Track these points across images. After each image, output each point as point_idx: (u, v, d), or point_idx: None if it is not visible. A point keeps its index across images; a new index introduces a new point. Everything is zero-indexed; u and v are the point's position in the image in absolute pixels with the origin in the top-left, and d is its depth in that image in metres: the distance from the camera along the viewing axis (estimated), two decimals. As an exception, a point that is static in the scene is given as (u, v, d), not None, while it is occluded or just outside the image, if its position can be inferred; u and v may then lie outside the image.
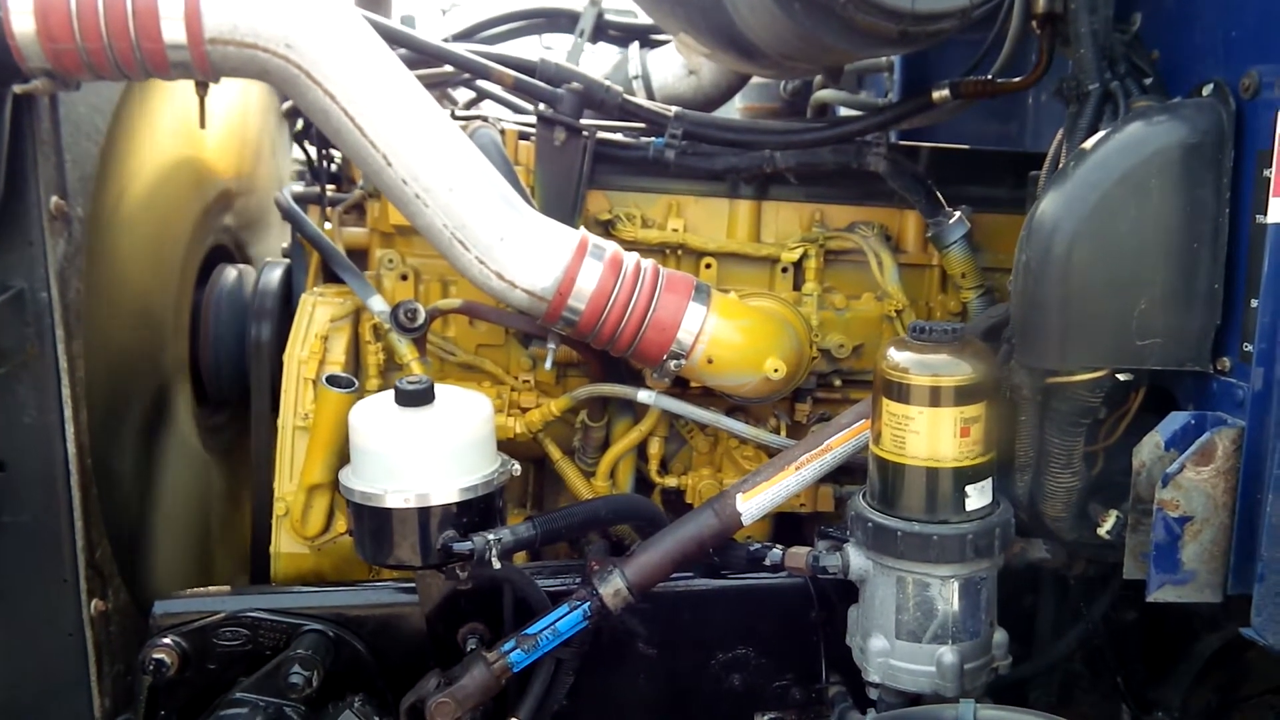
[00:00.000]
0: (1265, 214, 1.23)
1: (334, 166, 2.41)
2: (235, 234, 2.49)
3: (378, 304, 1.78)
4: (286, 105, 2.15)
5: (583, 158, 1.85)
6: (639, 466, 1.95)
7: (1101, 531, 1.45)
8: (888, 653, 1.48)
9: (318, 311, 1.92)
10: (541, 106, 1.85)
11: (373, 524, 1.50)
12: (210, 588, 1.74)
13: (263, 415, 2.11)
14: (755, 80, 2.88)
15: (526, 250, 1.58)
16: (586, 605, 1.57)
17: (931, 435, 1.42)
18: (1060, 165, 1.44)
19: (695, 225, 1.98)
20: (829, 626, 1.75)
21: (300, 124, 2.32)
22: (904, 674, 1.47)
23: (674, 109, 1.94)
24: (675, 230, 1.94)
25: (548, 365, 1.72)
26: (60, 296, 1.61)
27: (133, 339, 1.97)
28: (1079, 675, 1.85)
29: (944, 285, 2.03)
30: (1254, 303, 1.27)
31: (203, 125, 1.56)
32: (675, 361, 1.64)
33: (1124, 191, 1.32)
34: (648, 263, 1.68)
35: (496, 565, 1.45)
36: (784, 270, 1.97)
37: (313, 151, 2.40)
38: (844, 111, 2.72)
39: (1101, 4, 1.43)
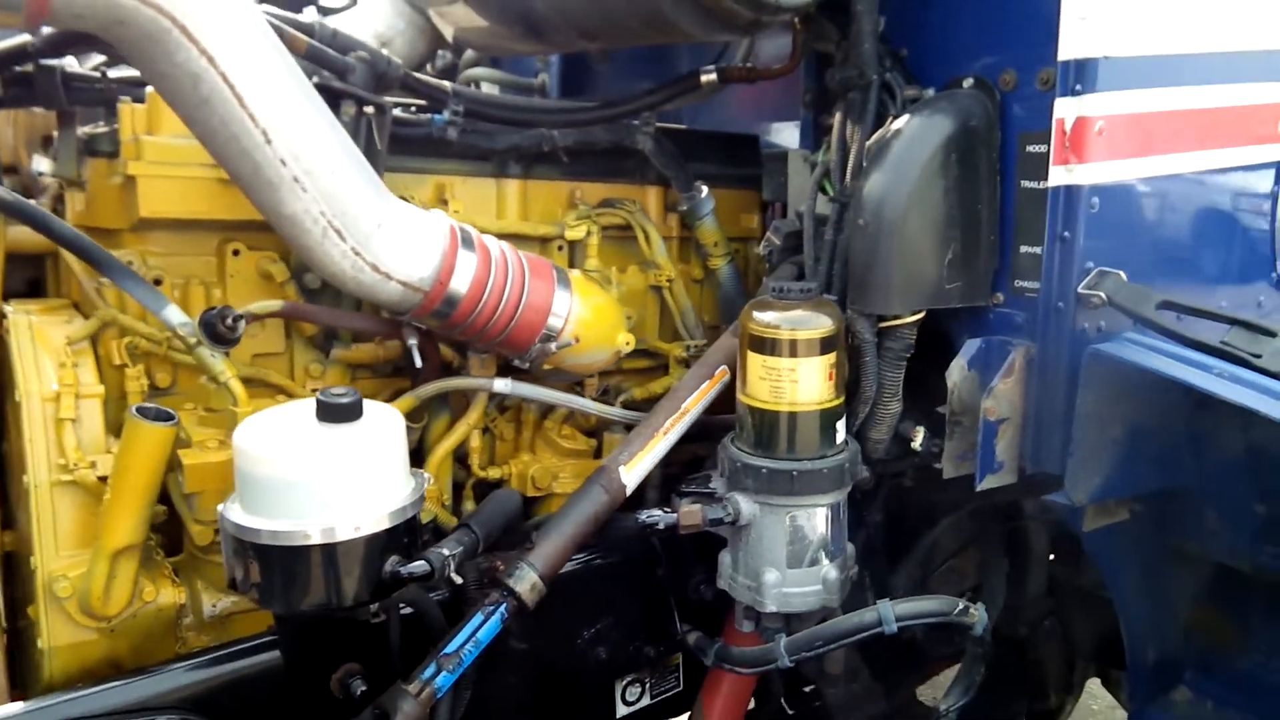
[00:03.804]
0: (1039, 181, 1.69)
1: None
2: None
3: (176, 315, 1.53)
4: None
5: (372, 135, 1.77)
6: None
7: (915, 445, 1.85)
8: (781, 583, 1.73)
9: (45, 334, 1.59)
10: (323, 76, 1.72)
11: (292, 566, 1.34)
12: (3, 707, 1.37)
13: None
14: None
15: (403, 239, 1.51)
16: (503, 607, 1.57)
17: (807, 382, 1.69)
18: (864, 146, 1.79)
19: (464, 207, 2.00)
20: (674, 581, 1.95)
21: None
22: (796, 598, 1.74)
23: (449, 85, 1.93)
24: (457, 212, 1.94)
25: (418, 362, 1.65)
26: None
27: None
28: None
29: (682, 255, 2.30)
30: (1023, 249, 1.74)
31: None
32: (552, 344, 1.69)
33: (936, 164, 1.70)
34: (507, 247, 1.69)
35: (458, 580, 1.41)
36: (560, 248, 2.08)
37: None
38: (486, 87, 2.87)
39: (875, 7, 1.80)
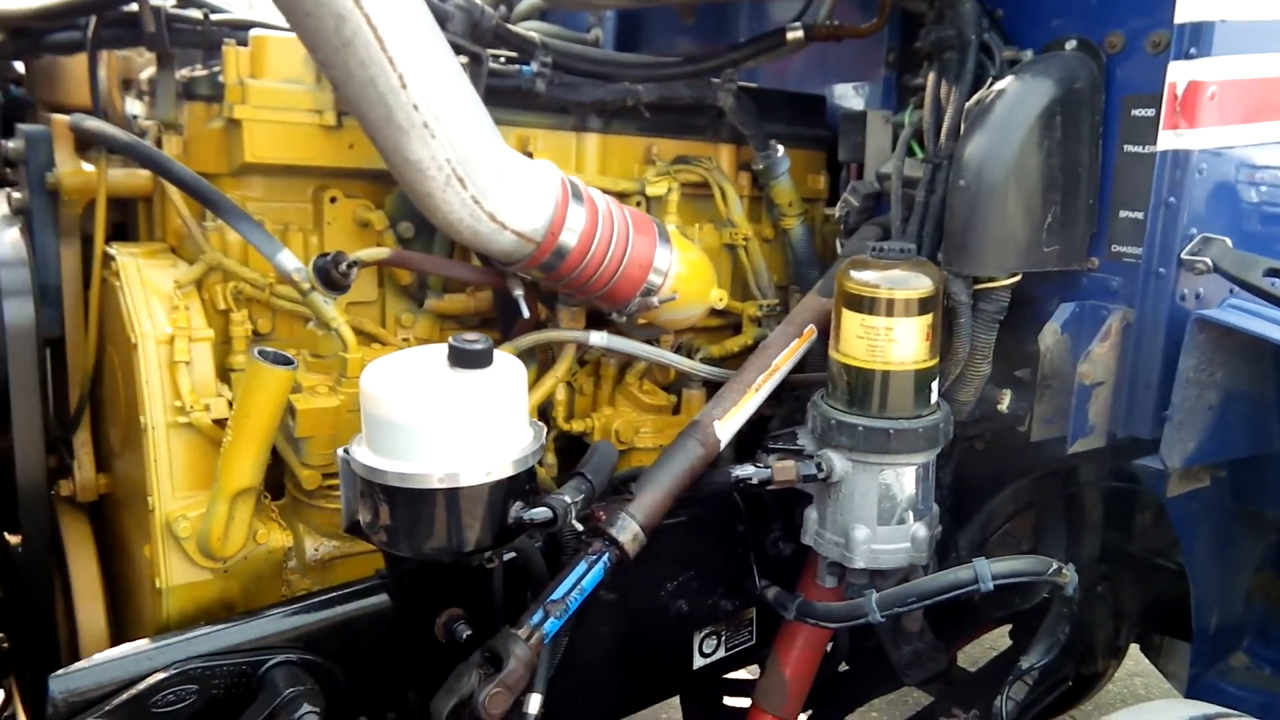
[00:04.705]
0: (1144, 145, 1.70)
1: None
2: None
3: (290, 261, 1.54)
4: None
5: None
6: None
7: (1001, 408, 1.87)
8: (871, 539, 1.76)
9: (154, 277, 1.60)
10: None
11: (420, 509, 1.36)
12: (124, 646, 1.40)
13: (31, 433, 1.67)
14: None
15: (518, 190, 1.52)
16: (606, 556, 1.60)
17: (905, 342, 1.71)
18: (963, 107, 1.80)
19: (547, 160, 2.00)
20: (753, 537, 1.99)
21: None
22: (886, 555, 1.77)
23: (538, 36, 1.92)
24: (547, 166, 1.95)
25: (526, 313, 1.66)
26: None
27: None
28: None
29: (752, 214, 2.31)
30: (1123, 214, 1.76)
31: None
32: (653, 298, 1.70)
33: (1040, 127, 1.71)
34: (612, 202, 1.70)
35: (579, 527, 1.43)
36: (637, 204, 2.09)
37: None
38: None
39: (976, -35, 1.81)
